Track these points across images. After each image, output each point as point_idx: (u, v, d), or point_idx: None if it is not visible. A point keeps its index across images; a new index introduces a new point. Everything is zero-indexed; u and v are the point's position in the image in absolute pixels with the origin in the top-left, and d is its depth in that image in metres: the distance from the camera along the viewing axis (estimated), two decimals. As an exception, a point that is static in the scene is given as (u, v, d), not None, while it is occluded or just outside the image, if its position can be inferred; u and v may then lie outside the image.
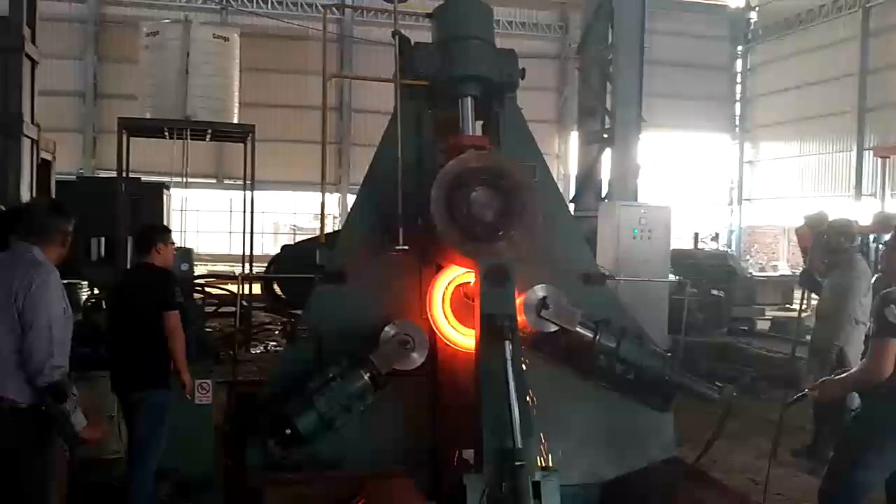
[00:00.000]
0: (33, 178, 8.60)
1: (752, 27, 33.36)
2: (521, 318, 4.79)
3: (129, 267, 9.70)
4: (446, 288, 5.08)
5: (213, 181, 28.38)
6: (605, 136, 13.32)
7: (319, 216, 5.91)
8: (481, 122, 5.63)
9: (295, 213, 33.22)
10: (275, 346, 12.53)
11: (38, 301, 3.80)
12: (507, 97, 5.57)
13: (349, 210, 5.80)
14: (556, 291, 4.93)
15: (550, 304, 4.88)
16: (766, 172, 32.63)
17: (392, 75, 5.35)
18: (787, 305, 15.97)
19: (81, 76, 28.08)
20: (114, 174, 13.87)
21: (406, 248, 4.99)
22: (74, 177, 20.24)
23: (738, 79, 33.91)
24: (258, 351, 12.32)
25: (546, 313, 4.88)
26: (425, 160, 5.25)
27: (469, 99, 5.28)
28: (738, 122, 33.85)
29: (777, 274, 25.35)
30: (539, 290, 4.91)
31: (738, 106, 33.92)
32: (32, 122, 8.71)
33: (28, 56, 8.52)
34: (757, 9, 32.77)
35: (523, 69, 5.52)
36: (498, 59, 5.42)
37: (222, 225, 30.53)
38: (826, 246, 7.44)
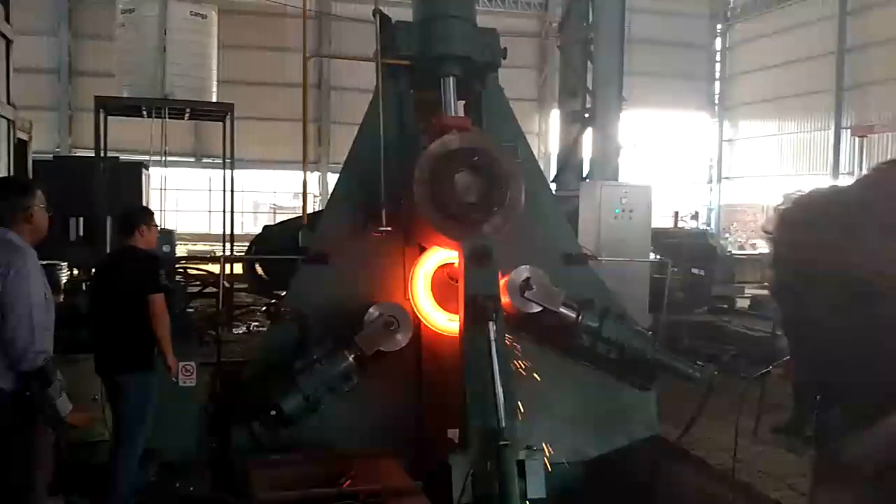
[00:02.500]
0: (10, 159, 8.48)
1: (731, 5, 33.39)
2: (504, 298, 4.81)
3: (110, 248, 9.62)
4: (428, 270, 5.08)
5: (192, 160, 28.10)
6: (587, 115, 13.33)
7: (301, 195, 5.89)
8: (464, 102, 5.62)
9: (275, 192, 33.01)
10: (257, 326, 12.50)
11: (18, 286, 3.71)
12: (490, 76, 5.56)
13: (331, 190, 5.78)
14: (540, 272, 4.96)
15: (534, 284, 4.91)
16: (745, 151, 32.78)
17: (373, 54, 5.32)
18: (766, 283, 16.07)
19: (55, 53, 27.62)
20: (91, 153, 13.71)
21: (389, 229, 4.99)
22: (51, 156, 19.97)
23: (718, 57, 33.97)
24: (241, 332, 12.28)
25: (530, 294, 4.91)
26: (407, 140, 5.23)
27: (451, 79, 5.26)
28: (717, 101, 33.96)
29: (756, 252, 25.53)
30: (523, 271, 4.94)
31: (717, 84, 34.00)
32: (8, 102, 8.58)
33: (2, 34, 8.37)
34: (737, -14, 32.81)
35: (505, 48, 5.50)
36: (480, 39, 5.40)
37: (202, 204, 30.30)
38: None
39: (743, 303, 14.56)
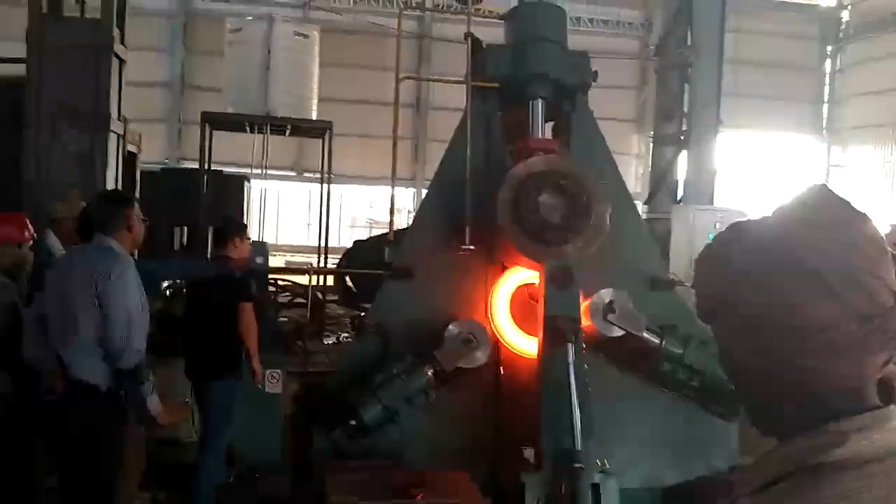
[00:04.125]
0: (118, 171, 9.00)
1: (843, 27, 32.24)
2: (586, 321, 4.78)
3: (207, 258, 10.02)
4: (509, 289, 5.10)
5: (293, 174, 28.93)
6: (682, 137, 13.13)
7: (396, 211, 6.02)
8: (552, 124, 5.63)
9: (371, 206, 33.59)
10: (346, 337, 12.73)
11: (118, 289, 3.98)
12: (579, 98, 5.55)
13: (419, 207, 5.89)
14: (623, 295, 4.89)
15: (617, 308, 4.85)
16: (853, 177, 31.52)
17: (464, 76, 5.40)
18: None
19: (169, 68, 28.93)
20: (197, 165, 14.33)
21: (472, 247, 5.03)
22: (159, 168, 20.92)
23: (827, 80, 32.80)
24: (331, 342, 12.54)
25: (612, 317, 4.85)
26: (494, 161, 5.28)
27: (539, 101, 5.28)
28: (825, 124, 32.78)
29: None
30: (605, 294, 4.88)
31: (826, 107, 32.82)
32: (119, 118, 9.11)
33: (116, 55, 8.91)
34: (849, 8, 31.65)
35: (595, 71, 5.49)
36: (569, 61, 5.40)
37: (301, 217, 31.12)
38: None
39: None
